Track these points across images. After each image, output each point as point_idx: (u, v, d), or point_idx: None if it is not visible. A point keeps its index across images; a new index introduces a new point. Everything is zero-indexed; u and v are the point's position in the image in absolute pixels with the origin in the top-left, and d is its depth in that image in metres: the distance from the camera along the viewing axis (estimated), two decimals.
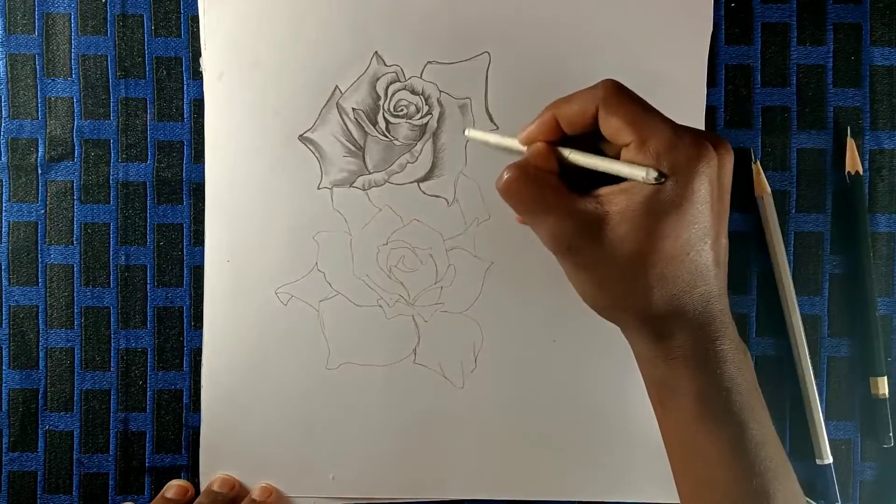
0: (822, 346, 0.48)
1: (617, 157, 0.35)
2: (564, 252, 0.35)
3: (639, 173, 0.33)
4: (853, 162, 0.47)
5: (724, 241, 0.36)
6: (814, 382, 0.47)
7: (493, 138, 0.40)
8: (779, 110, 0.48)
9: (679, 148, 0.33)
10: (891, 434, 0.47)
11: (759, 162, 0.47)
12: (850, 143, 0.47)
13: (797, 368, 0.47)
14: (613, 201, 0.34)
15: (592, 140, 0.36)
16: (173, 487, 0.46)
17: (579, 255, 0.35)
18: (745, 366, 0.36)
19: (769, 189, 0.47)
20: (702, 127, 0.47)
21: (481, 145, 0.41)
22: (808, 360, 0.47)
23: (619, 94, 0.35)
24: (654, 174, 0.32)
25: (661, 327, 0.35)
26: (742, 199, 0.47)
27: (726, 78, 0.48)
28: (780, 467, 0.35)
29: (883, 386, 0.47)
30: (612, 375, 0.47)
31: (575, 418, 0.47)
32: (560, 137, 0.37)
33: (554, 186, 0.35)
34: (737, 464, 0.35)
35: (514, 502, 0.47)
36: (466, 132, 0.41)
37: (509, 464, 0.47)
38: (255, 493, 0.46)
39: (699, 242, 0.34)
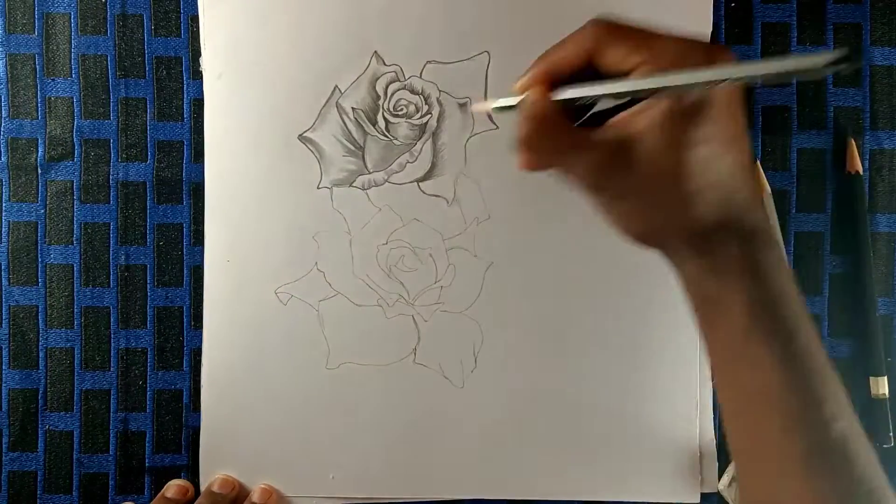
0: (823, 345, 0.47)
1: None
2: (597, 188, 0.34)
3: (811, 60, 0.26)
4: (853, 162, 0.47)
5: (749, 143, 0.34)
6: None
7: (496, 102, 0.38)
8: (779, 110, 0.48)
9: (695, 54, 0.32)
10: (891, 434, 0.47)
11: (759, 162, 0.47)
12: (851, 144, 0.47)
13: None
14: (632, 123, 0.33)
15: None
16: (173, 487, 0.46)
17: (613, 187, 0.34)
18: (788, 273, 0.35)
19: (769, 189, 0.47)
20: None
21: (492, 116, 0.40)
22: None
23: (610, 26, 0.33)
24: (839, 54, 0.25)
25: (707, 241, 0.34)
26: None
27: None
28: (830, 376, 0.34)
29: (883, 386, 0.47)
30: (612, 374, 0.47)
31: (575, 417, 0.47)
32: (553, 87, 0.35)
33: (566, 127, 0.34)
34: (789, 372, 0.34)
35: (514, 502, 0.47)
36: (472, 107, 0.40)
37: (509, 463, 0.47)
38: (256, 496, 0.46)
39: (729, 149, 0.33)
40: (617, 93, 0.33)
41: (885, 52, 0.48)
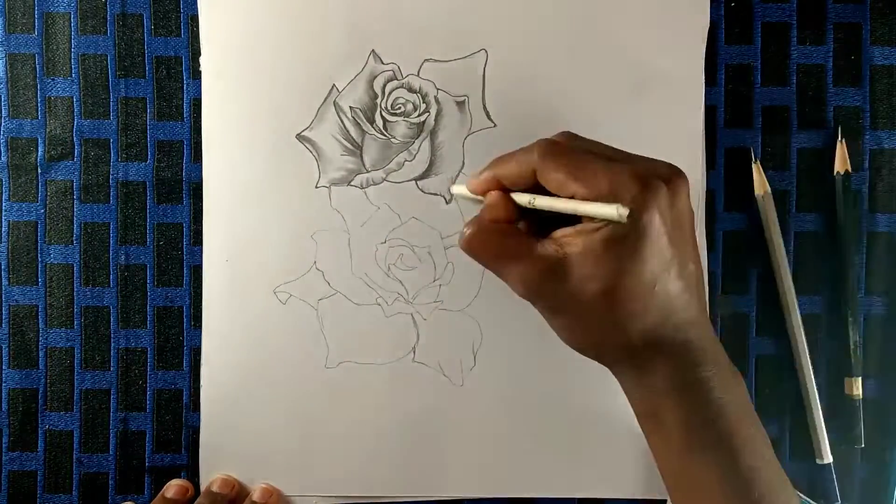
0: (822, 345, 0.48)
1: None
2: (535, 298, 0.36)
3: (609, 211, 0.32)
4: (842, 162, 0.47)
5: (693, 267, 0.35)
6: (814, 382, 0.46)
7: (459, 189, 0.41)
8: (779, 110, 0.48)
9: (622, 187, 0.33)
10: (861, 435, 0.47)
11: (759, 161, 0.47)
12: (840, 145, 0.47)
13: (797, 368, 0.47)
14: (572, 243, 0.34)
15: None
16: (173, 487, 0.46)
17: (550, 300, 0.35)
18: (734, 390, 0.35)
19: (769, 188, 0.47)
20: (700, 123, 0.47)
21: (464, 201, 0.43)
22: (809, 360, 0.47)
23: (553, 151, 0.35)
24: (624, 211, 0.32)
25: (641, 361, 0.35)
26: (742, 198, 0.47)
27: (726, 77, 0.48)
28: (777, 493, 0.35)
29: (857, 386, 0.47)
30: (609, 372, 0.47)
31: (574, 415, 0.47)
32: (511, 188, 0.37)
33: (513, 235, 0.36)
34: (729, 493, 0.35)
35: (514, 500, 0.47)
36: (452, 189, 0.43)
37: (509, 461, 0.47)
38: (256, 495, 0.46)
39: (663, 274, 0.34)
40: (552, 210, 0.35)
41: (885, 51, 0.48)
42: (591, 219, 0.34)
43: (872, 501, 0.48)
